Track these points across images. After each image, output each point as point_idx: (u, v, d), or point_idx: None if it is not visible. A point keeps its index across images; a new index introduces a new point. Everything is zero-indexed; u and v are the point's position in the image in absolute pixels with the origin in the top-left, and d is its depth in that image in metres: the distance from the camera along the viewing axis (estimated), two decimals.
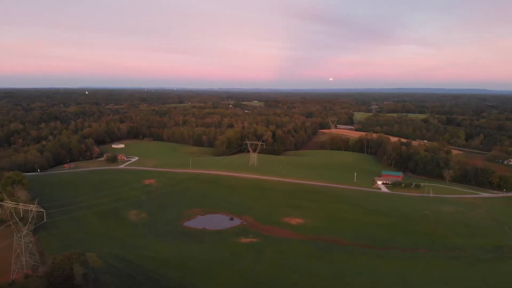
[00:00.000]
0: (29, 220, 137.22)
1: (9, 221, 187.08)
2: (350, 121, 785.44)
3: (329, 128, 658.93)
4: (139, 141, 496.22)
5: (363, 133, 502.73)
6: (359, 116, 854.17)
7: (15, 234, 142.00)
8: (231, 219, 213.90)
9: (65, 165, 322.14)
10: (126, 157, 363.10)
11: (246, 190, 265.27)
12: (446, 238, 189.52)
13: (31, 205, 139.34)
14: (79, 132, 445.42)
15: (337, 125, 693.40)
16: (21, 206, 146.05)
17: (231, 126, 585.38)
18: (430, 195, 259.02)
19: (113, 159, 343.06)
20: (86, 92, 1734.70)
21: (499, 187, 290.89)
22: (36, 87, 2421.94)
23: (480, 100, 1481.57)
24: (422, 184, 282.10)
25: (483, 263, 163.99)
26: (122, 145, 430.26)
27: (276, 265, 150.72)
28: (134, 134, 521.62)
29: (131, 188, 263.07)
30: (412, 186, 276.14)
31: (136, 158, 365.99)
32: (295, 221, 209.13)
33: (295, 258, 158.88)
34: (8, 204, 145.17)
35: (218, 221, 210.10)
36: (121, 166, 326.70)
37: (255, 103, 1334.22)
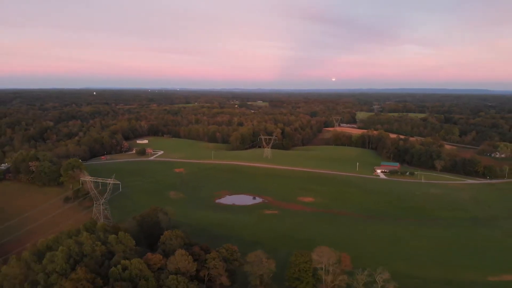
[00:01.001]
0: (107, 190, 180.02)
1: (72, 198, 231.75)
2: (352, 120, 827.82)
3: (333, 126, 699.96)
4: (159, 137, 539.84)
5: (365, 131, 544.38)
6: (361, 115, 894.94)
7: (94, 202, 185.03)
8: (254, 198, 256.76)
9: (102, 157, 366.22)
10: (153, 151, 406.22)
11: (263, 177, 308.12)
12: (432, 212, 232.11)
13: (108, 179, 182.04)
14: (105, 129, 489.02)
15: (341, 124, 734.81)
16: (99, 180, 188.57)
17: (241, 124, 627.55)
18: (422, 180, 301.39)
19: (143, 152, 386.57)
20: (94, 93, 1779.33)
21: (483, 175, 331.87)
22: (39, 88, 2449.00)
23: (480, 100, 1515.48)
24: (415, 172, 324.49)
25: (460, 227, 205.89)
26: (146, 141, 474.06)
27: (295, 226, 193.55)
28: (154, 132, 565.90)
29: (165, 175, 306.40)
30: (407, 174, 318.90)
31: (162, 152, 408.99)
32: (307, 199, 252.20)
33: (310, 222, 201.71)
34: (89, 179, 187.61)
35: (243, 199, 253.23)
36: (151, 158, 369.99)
37: (260, 103, 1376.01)
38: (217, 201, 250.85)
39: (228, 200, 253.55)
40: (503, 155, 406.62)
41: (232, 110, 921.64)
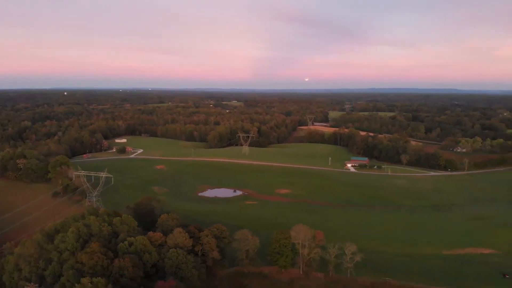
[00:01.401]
0: (100, 183, 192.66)
1: (62, 193, 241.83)
2: (325, 119, 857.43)
3: (306, 125, 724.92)
4: (137, 137, 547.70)
5: (337, 129, 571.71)
6: (333, 114, 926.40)
7: (87, 195, 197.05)
8: (235, 191, 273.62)
9: (84, 155, 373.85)
10: (133, 149, 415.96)
11: (242, 172, 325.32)
12: (396, 200, 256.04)
13: (101, 173, 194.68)
14: (84, 128, 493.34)
15: (314, 123, 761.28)
16: (92, 173, 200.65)
17: (217, 123, 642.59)
18: (389, 173, 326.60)
19: (123, 150, 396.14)
20: (65, 93, 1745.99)
21: (445, 168, 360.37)
22: (8, 89, 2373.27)
23: (448, 99, 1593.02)
24: (383, 166, 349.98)
25: (421, 213, 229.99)
26: (124, 140, 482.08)
27: (274, 215, 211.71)
28: (131, 131, 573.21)
29: (147, 172, 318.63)
30: (375, 167, 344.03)
31: (141, 150, 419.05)
32: (284, 191, 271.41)
33: (287, 211, 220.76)
34: (82, 173, 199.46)
35: (225, 192, 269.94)
36: (132, 156, 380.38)
37: (235, 103, 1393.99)
38: (199, 194, 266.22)
39: (210, 193, 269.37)
40: (464, 150, 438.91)
41: (208, 109, 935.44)
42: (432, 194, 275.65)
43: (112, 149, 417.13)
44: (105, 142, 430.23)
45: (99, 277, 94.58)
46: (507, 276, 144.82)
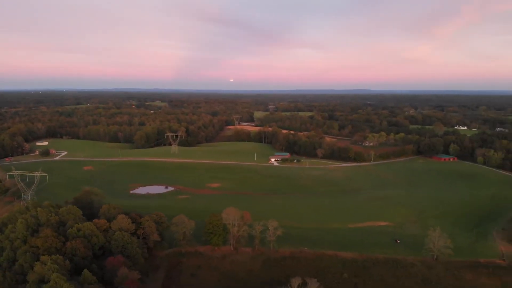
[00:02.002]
0: (34, 182, 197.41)
1: None
2: (251, 119, 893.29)
3: (233, 124, 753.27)
4: (59, 139, 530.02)
5: (261, 128, 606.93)
6: (258, 114, 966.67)
7: (22, 194, 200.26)
8: (166, 187, 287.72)
9: (6, 159, 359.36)
10: (56, 152, 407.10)
11: (173, 169, 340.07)
12: (313, 188, 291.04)
13: (35, 172, 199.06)
14: (1, 131, 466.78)
15: (240, 122, 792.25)
16: (26, 173, 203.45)
17: (142, 124, 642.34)
18: (306, 166, 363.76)
19: (46, 153, 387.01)
20: None
21: (354, 160, 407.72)
22: None
23: (361, 99, 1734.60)
24: (302, 160, 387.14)
25: (332, 197, 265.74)
26: (46, 142, 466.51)
27: (206, 205, 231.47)
28: (52, 133, 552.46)
29: (76, 172, 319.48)
30: (295, 161, 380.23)
31: (65, 152, 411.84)
32: (214, 185, 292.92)
33: (218, 201, 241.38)
34: (16, 173, 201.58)
35: (157, 189, 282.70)
36: (57, 158, 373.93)
37: (159, 103, 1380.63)
38: (131, 192, 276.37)
39: (142, 190, 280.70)
40: (371, 144, 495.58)
41: (131, 110, 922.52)
42: (343, 181, 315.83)
43: (34, 152, 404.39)
44: (27, 145, 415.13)
45: (57, 255, 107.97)
46: (398, 241, 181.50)
